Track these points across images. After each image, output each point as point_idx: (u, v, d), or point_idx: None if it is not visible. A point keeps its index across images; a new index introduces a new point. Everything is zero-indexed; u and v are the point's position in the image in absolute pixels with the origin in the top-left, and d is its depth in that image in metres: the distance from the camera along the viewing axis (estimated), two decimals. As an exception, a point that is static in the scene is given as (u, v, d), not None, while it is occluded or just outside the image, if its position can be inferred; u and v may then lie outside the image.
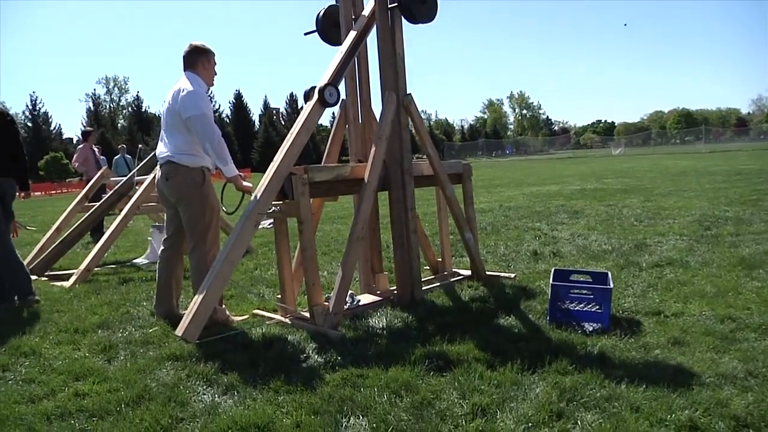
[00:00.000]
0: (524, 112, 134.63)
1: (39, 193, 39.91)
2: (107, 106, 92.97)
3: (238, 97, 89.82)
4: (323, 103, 4.35)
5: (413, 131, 4.97)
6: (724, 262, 5.51)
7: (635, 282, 4.97)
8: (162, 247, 4.77)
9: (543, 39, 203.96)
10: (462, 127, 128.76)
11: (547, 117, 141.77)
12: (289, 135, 4.30)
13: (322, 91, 4.34)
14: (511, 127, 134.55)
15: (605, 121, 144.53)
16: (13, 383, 3.42)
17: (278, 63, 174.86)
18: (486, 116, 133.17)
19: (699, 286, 4.72)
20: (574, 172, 26.07)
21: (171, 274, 4.68)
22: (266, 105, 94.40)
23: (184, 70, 4.49)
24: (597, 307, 3.93)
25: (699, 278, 4.99)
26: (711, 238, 6.82)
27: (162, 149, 4.52)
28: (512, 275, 5.36)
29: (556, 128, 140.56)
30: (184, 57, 4.51)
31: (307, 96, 4.51)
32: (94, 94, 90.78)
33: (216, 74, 4.61)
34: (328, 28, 5.11)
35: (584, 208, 10.79)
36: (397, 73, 4.63)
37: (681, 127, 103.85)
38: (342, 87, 4.62)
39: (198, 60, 4.48)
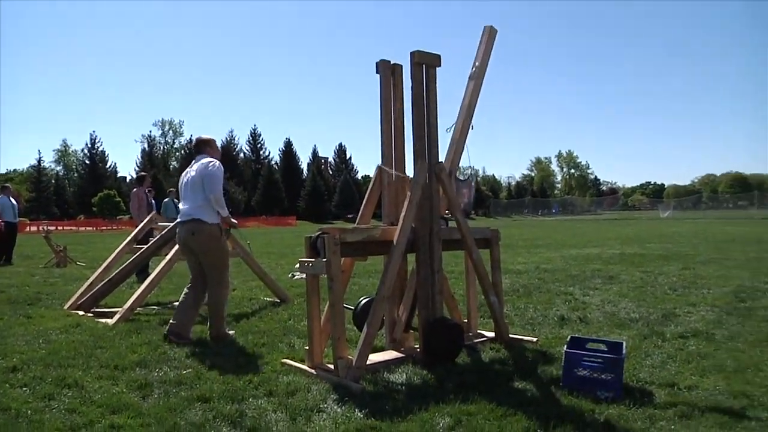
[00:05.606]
0: (572, 171, 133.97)
1: (91, 228, 41.15)
2: (161, 148, 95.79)
3: (288, 144, 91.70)
4: None
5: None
6: (751, 337, 5.51)
7: (655, 352, 5.03)
8: (187, 288, 5.94)
9: (593, 98, 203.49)
10: (509, 184, 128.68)
11: (596, 177, 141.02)
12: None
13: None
14: (559, 185, 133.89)
15: (655, 182, 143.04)
16: (57, 412, 3.72)
17: (328, 113, 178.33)
18: (533, 174, 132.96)
19: (719, 360, 4.75)
20: (618, 235, 25.86)
21: (190, 301, 5.82)
22: (315, 154, 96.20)
23: (197, 154, 5.94)
24: (609, 375, 4.04)
25: (721, 352, 5.02)
26: (743, 311, 6.80)
27: (186, 210, 5.74)
28: (534, 339, 5.48)
29: (604, 188, 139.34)
30: (195, 146, 6.02)
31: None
32: (150, 136, 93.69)
33: (219, 155, 6.08)
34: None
35: (620, 273, 10.80)
36: (427, 143, 4.90)
37: (734, 191, 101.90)
38: (378, 152, 4.89)
39: (205, 148, 5.96)
